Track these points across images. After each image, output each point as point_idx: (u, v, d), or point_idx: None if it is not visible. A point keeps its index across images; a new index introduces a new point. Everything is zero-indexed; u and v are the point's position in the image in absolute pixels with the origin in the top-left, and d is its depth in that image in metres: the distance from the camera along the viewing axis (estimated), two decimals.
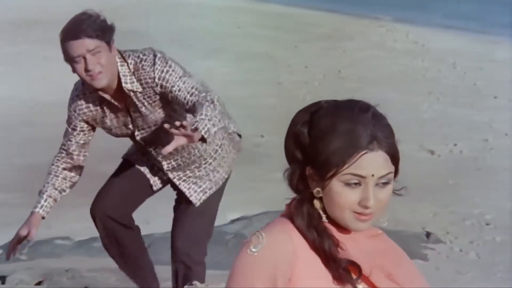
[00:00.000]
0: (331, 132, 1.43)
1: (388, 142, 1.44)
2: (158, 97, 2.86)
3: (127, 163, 3.17)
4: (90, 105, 2.93)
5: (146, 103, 2.87)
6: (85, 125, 2.96)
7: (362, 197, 1.42)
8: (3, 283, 3.57)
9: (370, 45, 11.61)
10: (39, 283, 3.71)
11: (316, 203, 1.46)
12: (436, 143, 7.85)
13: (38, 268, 4.05)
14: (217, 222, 5.45)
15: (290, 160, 1.52)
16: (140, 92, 2.84)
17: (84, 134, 2.98)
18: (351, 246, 1.45)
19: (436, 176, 7.07)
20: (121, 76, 2.81)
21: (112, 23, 2.80)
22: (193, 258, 3.07)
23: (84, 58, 2.71)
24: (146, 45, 2.96)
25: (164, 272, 3.24)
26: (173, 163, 3.04)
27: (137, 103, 2.87)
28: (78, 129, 2.96)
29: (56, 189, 2.96)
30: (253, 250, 1.42)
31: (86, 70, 2.73)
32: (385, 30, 12.47)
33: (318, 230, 1.44)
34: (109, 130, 3.00)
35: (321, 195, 1.45)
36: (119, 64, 2.81)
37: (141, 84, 2.83)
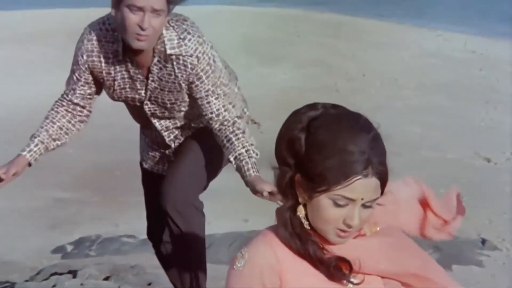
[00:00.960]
0: (329, 147, 1.39)
1: (381, 169, 1.42)
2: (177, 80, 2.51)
3: (146, 174, 2.83)
4: (102, 55, 2.51)
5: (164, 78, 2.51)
6: (90, 77, 2.56)
7: (347, 216, 1.40)
8: (74, 277, 3.66)
9: (427, 53, 11.45)
10: (106, 278, 3.79)
11: (300, 210, 1.45)
12: (493, 151, 7.67)
13: (106, 264, 4.14)
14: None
15: (280, 162, 1.49)
16: (177, 61, 2.46)
17: (90, 88, 2.57)
18: (337, 248, 1.44)
19: (492, 184, 6.91)
20: (166, 41, 2.43)
21: None
22: (181, 198, 2.54)
23: (144, 12, 2.35)
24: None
25: (223, 271, 3.27)
26: (176, 132, 2.69)
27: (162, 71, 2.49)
28: (83, 80, 2.55)
29: (50, 136, 2.55)
30: (238, 265, 1.45)
31: (138, 27, 2.35)
32: (443, 39, 12.27)
33: (301, 237, 1.43)
34: (112, 90, 2.57)
35: (305, 202, 1.44)
36: (163, 28, 2.43)
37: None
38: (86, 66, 2.52)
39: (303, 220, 1.45)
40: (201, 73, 2.45)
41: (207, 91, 2.48)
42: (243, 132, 2.48)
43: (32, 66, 10.54)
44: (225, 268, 3.38)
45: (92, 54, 2.51)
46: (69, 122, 2.59)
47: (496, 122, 8.67)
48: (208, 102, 2.49)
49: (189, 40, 2.44)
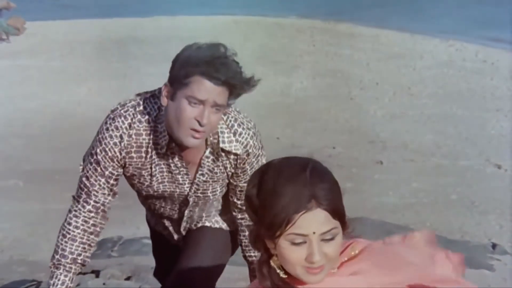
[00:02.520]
0: (273, 194, 1.44)
1: (328, 199, 1.43)
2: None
3: (155, 232, 2.51)
4: (142, 150, 2.10)
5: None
6: (120, 173, 2.13)
7: (308, 253, 1.43)
8: (97, 276, 3.67)
9: (440, 63, 11.38)
10: (128, 278, 3.80)
11: (274, 260, 1.48)
12: (504, 158, 7.60)
13: (127, 265, 4.15)
14: None
15: (251, 220, 1.53)
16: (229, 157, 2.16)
17: (116, 185, 2.16)
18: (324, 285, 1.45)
19: (503, 190, 6.84)
20: (219, 133, 2.10)
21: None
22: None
23: (204, 106, 1.98)
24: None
25: (238, 273, 3.27)
26: (194, 220, 2.36)
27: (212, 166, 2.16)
28: (115, 175, 2.12)
29: (74, 260, 2.12)
30: None
31: (196, 121, 1.98)
32: (455, 49, 12.19)
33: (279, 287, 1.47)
34: (147, 185, 2.18)
35: (275, 252, 1.47)
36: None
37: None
38: (123, 162, 2.10)
39: (278, 271, 1.48)
40: (247, 166, 2.19)
41: (246, 181, 2.07)
42: None
43: (64, 75, 10.63)
44: (239, 269, 3.37)
45: (132, 151, 2.09)
46: (91, 234, 2.15)
47: (507, 130, 8.59)
48: (241, 191, 2.21)
49: (240, 134, 2.14)
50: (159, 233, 2.47)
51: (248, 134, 2.15)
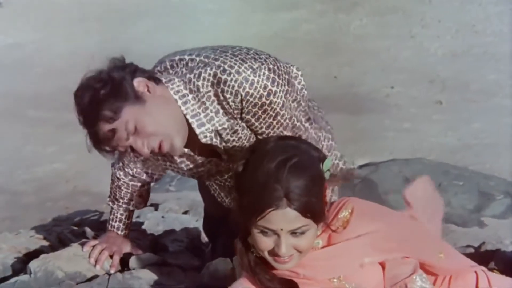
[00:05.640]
0: (250, 182, 1.47)
1: (300, 200, 1.45)
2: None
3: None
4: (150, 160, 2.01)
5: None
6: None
7: (275, 245, 1.48)
8: (156, 210, 3.77)
9: (507, 0, 10.88)
10: (185, 212, 3.88)
11: (250, 238, 1.53)
12: None
13: (184, 199, 4.24)
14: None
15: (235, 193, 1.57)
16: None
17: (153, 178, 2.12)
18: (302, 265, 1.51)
19: None
20: (189, 118, 1.82)
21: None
22: None
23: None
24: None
25: None
26: None
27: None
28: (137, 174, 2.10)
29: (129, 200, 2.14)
30: None
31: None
32: None
33: (252, 267, 1.53)
34: (180, 173, 2.03)
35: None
36: (180, 103, 1.78)
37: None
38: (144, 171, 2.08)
39: (253, 249, 1.54)
40: (244, 104, 1.84)
41: (268, 125, 1.89)
42: None
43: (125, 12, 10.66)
44: None
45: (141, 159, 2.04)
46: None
47: None
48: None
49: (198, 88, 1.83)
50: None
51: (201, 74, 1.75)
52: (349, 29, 9.87)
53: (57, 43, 9.62)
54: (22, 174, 6.04)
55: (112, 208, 2.15)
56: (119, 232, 2.12)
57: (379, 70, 8.34)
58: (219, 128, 1.78)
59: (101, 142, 1.72)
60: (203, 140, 1.80)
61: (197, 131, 1.77)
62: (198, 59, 1.75)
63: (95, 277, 2.00)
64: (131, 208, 2.14)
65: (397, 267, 1.51)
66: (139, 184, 2.10)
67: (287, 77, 1.77)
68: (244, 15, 10.27)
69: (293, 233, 1.47)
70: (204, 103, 1.75)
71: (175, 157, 1.90)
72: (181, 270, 2.09)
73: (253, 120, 1.78)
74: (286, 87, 1.76)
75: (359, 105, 7.32)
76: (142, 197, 2.14)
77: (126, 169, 2.07)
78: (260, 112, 1.76)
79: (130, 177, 2.08)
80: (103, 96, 1.67)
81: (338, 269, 1.52)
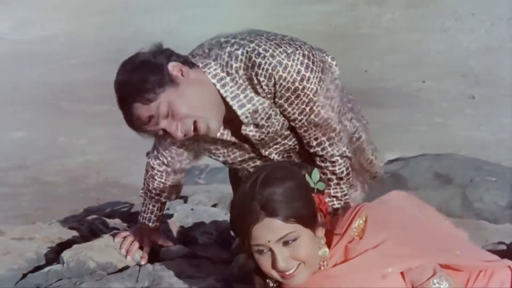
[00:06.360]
0: (233, 210, 1.51)
1: (277, 207, 1.45)
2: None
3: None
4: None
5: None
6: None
7: (273, 261, 1.48)
8: (185, 202, 3.80)
9: None
10: (214, 205, 3.91)
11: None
12: None
13: (214, 192, 4.27)
14: None
15: None
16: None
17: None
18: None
19: None
20: (229, 100, 1.84)
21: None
22: None
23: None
24: None
25: None
26: None
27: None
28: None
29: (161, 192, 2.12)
30: None
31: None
32: None
33: None
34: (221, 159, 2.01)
35: None
36: (219, 86, 1.79)
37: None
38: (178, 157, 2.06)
39: (268, 280, 1.55)
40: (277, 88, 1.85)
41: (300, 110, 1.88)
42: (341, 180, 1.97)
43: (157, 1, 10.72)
44: None
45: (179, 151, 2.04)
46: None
47: None
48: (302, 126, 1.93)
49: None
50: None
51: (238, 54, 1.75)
52: (380, 22, 9.79)
53: (90, 34, 9.73)
54: (55, 165, 6.14)
55: (144, 199, 2.16)
56: (150, 224, 2.12)
57: (410, 64, 8.27)
58: (260, 107, 1.79)
59: (135, 123, 1.75)
60: (245, 121, 1.81)
61: (239, 112, 1.79)
62: (233, 41, 1.77)
63: (126, 268, 2.02)
64: (163, 199, 2.13)
65: (415, 274, 1.50)
66: (172, 174, 2.10)
67: (321, 64, 1.77)
68: (276, 8, 10.25)
69: (284, 243, 1.47)
70: (241, 84, 1.77)
71: (208, 143, 1.92)
72: (210, 262, 2.11)
73: (285, 105, 1.78)
74: (320, 74, 1.77)
75: (390, 99, 7.27)
76: (175, 187, 2.13)
77: (160, 158, 2.07)
78: (293, 97, 1.77)
79: (164, 166, 2.08)
80: (139, 78, 1.71)
81: (361, 283, 1.50)
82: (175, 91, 1.72)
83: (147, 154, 2.16)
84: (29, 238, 2.29)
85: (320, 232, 1.54)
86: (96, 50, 9.08)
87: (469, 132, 6.46)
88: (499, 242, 2.76)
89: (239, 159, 1.97)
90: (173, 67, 1.73)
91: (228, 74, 1.76)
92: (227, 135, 1.89)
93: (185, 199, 3.89)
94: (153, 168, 2.10)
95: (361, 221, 1.54)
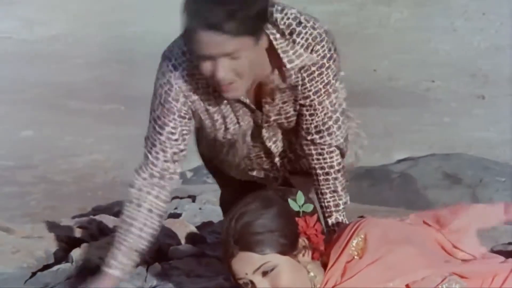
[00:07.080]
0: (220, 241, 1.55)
1: (250, 240, 1.47)
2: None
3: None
4: (200, 90, 1.78)
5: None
6: (186, 125, 1.81)
7: None
8: (193, 201, 3.81)
9: None
10: None
11: None
12: None
13: None
14: (383, 162, 5.45)
15: None
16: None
17: (184, 140, 1.81)
18: None
19: None
20: (281, 53, 1.73)
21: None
22: None
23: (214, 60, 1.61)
24: None
25: None
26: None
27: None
28: (178, 129, 1.80)
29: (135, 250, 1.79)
30: None
31: (214, 76, 1.62)
32: None
33: None
34: (212, 129, 1.85)
35: None
36: (272, 38, 1.71)
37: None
38: (185, 110, 1.78)
39: None
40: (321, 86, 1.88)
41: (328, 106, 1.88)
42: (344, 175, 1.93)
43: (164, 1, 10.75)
44: None
45: (191, 93, 1.77)
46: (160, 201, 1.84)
47: None
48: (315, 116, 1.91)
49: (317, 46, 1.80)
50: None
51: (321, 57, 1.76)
52: (389, 22, 9.77)
53: (96, 33, 9.76)
54: (62, 164, 6.17)
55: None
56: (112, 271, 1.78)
57: (419, 63, 8.26)
58: (309, 63, 1.75)
59: (194, 45, 1.60)
60: (293, 78, 1.75)
61: (288, 66, 1.74)
62: (279, 8, 1.75)
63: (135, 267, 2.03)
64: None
65: (422, 285, 1.48)
66: (162, 191, 1.83)
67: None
68: None
69: (263, 273, 1.48)
70: (289, 42, 1.74)
71: (224, 104, 1.80)
72: (219, 261, 2.12)
73: (306, 79, 1.78)
74: (339, 60, 1.81)
75: (398, 98, 7.26)
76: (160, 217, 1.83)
77: (155, 161, 1.85)
78: (316, 73, 1.78)
79: (156, 178, 1.85)
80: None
81: None
82: (250, 46, 1.61)
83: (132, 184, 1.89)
84: (38, 237, 2.31)
85: (305, 256, 1.52)
86: (102, 49, 9.11)
87: (478, 132, 6.45)
88: (509, 243, 2.75)
89: (243, 132, 1.86)
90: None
91: (278, 31, 1.73)
92: (244, 98, 1.78)
93: (193, 198, 3.90)
94: (140, 190, 1.87)
95: (359, 239, 1.53)
